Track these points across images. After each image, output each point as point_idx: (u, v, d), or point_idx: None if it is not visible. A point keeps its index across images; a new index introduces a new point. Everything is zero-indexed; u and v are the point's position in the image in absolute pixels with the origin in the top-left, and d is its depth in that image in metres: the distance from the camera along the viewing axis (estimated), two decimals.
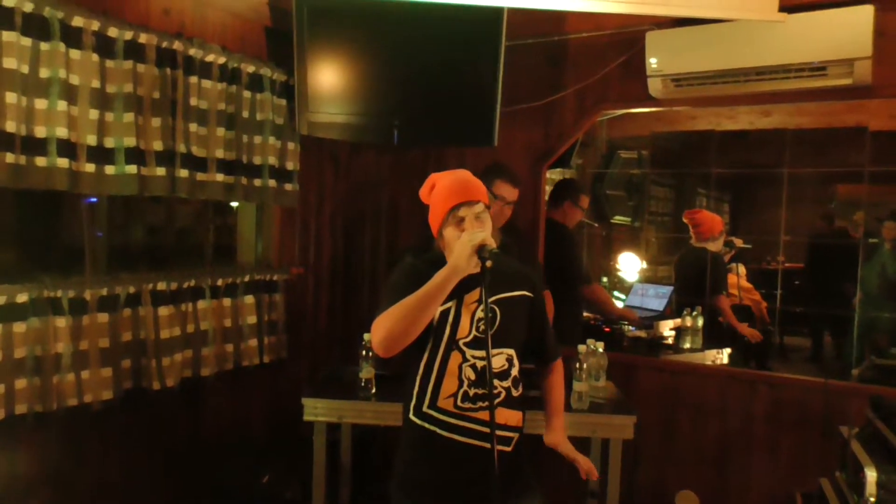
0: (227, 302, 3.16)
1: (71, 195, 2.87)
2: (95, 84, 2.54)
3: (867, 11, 2.73)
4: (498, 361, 1.96)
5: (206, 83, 2.95)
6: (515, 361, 2.01)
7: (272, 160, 3.26)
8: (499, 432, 1.86)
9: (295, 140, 3.38)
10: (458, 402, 1.93)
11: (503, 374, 1.97)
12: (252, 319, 3.27)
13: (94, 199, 2.97)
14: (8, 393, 2.37)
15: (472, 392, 1.93)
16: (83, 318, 2.59)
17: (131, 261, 3.06)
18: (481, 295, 1.93)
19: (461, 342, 1.94)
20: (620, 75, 3.36)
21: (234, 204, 3.65)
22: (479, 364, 1.94)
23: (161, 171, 2.77)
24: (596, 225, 4.77)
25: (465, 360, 1.94)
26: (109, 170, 2.63)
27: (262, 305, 3.32)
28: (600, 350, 2.74)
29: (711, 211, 5.09)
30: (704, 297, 4.23)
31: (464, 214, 1.88)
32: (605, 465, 2.66)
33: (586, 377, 2.61)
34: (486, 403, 1.91)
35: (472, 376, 1.93)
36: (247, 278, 3.25)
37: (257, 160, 3.21)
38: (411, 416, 1.97)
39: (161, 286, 2.86)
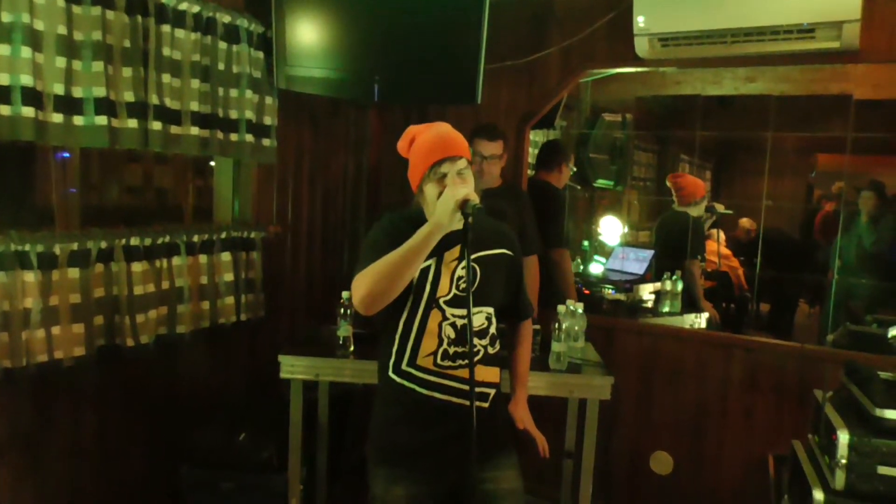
0: (203, 259, 3.10)
1: (42, 150, 2.80)
2: (62, 31, 2.43)
3: None
4: (477, 320, 1.94)
5: (179, 32, 2.84)
6: (493, 319, 1.99)
7: (249, 115, 3.17)
8: (477, 389, 1.85)
9: (273, 95, 3.29)
10: (438, 360, 1.91)
11: (482, 333, 1.96)
12: (229, 277, 3.21)
13: (66, 155, 2.88)
14: None
15: (451, 350, 1.91)
16: (52, 272, 2.52)
17: (106, 220, 2.97)
18: (462, 252, 1.91)
19: (441, 300, 1.92)
20: (606, 34, 3.30)
21: (213, 164, 3.58)
22: (459, 322, 1.92)
23: (133, 122, 2.67)
24: (578, 188, 4.74)
25: (444, 318, 1.92)
26: (78, 120, 2.53)
27: (240, 263, 3.26)
28: (580, 311, 2.73)
29: (694, 176, 5.08)
30: (684, 260, 4.23)
31: (446, 170, 1.83)
32: (582, 426, 2.66)
33: (565, 338, 2.60)
34: (466, 361, 1.90)
35: (452, 334, 1.91)
36: (223, 235, 3.18)
37: (233, 114, 3.12)
38: (390, 374, 1.95)
39: (134, 241, 2.79)
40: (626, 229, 5.63)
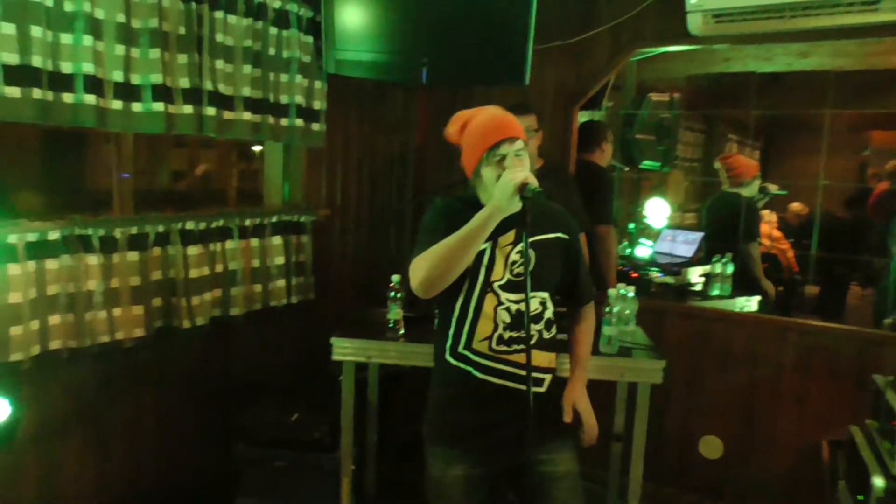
0: (254, 242, 3.16)
1: (96, 136, 2.87)
2: (121, 18, 2.48)
3: None
4: (532, 304, 1.94)
5: (232, 18, 2.88)
6: (549, 304, 1.99)
7: (299, 99, 3.20)
8: (532, 374, 1.85)
9: (322, 79, 3.31)
10: (493, 345, 1.92)
11: (537, 318, 1.96)
12: (280, 260, 3.27)
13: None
14: (42, 329, 2.40)
15: (506, 335, 1.92)
16: (113, 255, 2.60)
17: (157, 204, 3.05)
18: (517, 236, 1.91)
19: (496, 285, 1.92)
20: (657, 11, 3.23)
21: (257, 148, 3.63)
22: (514, 307, 1.92)
23: (188, 108, 2.73)
24: (627, 169, 4.68)
25: (499, 302, 1.92)
26: (136, 107, 2.59)
27: (290, 246, 3.31)
28: (631, 295, 2.71)
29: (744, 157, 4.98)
30: (736, 243, 4.15)
31: (505, 152, 1.83)
32: (632, 410, 2.65)
33: (616, 321, 2.58)
34: (521, 346, 1.91)
35: (507, 319, 1.92)
36: (274, 219, 3.23)
37: (284, 99, 3.15)
38: (447, 357, 1.97)
39: (189, 226, 2.86)
40: (673, 211, 5.55)
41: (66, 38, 2.35)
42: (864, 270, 5.32)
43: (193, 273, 2.88)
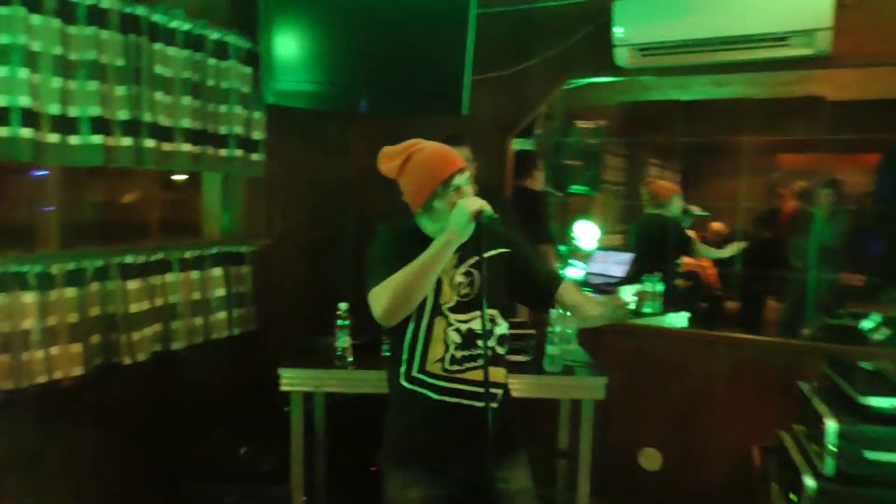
0: (194, 275, 3.11)
1: (15, 169, 2.77)
2: (58, 51, 2.44)
3: None
4: (478, 324, 2.00)
5: (171, 50, 2.86)
6: (499, 320, 2.05)
7: (238, 130, 3.20)
8: (478, 390, 1.96)
9: (261, 109, 3.32)
10: (446, 366, 1.97)
11: (488, 334, 2.02)
12: (221, 292, 3.23)
13: (41, 173, 2.85)
14: None
15: (458, 355, 1.98)
16: (50, 293, 2.52)
17: (83, 238, 2.94)
18: (460, 260, 1.98)
19: (444, 307, 1.98)
20: (587, 45, 3.40)
21: (181, 177, 3.55)
22: (464, 327, 1.99)
23: (127, 141, 2.68)
24: (558, 194, 4.84)
25: (449, 324, 1.98)
26: (74, 140, 2.54)
27: (231, 278, 3.28)
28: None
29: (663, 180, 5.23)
30: (663, 261, 4.34)
31: (458, 183, 1.91)
32: (576, 426, 2.74)
33: (559, 341, 2.68)
34: (473, 364, 1.98)
35: (458, 339, 1.98)
36: (214, 250, 3.20)
37: (223, 130, 3.14)
38: (402, 382, 2.00)
39: (129, 259, 2.80)
40: (600, 233, 5.75)
41: (1, 71, 2.30)
42: (779, 285, 5.64)
43: (133, 308, 2.81)
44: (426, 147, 1.99)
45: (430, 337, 1.97)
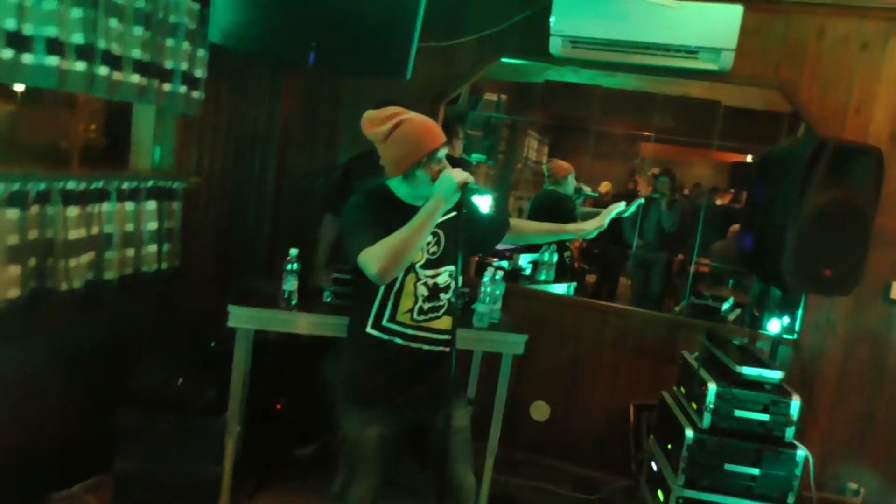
0: (129, 206, 3.10)
1: None
2: None
3: (738, 10, 3.26)
4: (442, 278, 2.25)
5: None
6: (456, 274, 2.26)
7: (184, 66, 3.18)
8: (443, 336, 2.24)
9: (205, 47, 3.31)
10: (415, 316, 2.20)
11: (447, 288, 2.27)
12: (153, 225, 3.23)
13: None
14: None
15: (425, 306, 2.22)
16: None
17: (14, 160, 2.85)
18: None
19: (416, 265, 2.20)
20: (523, 28, 3.66)
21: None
22: (430, 282, 2.23)
23: (81, 65, 2.64)
24: (472, 162, 5.11)
25: (418, 279, 2.20)
26: (27, 59, 2.47)
27: (163, 212, 3.29)
28: (498, 278, 3.11)
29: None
30: None
31: (441, 156, 2.12)
32: (494, 379, 3.07)
33: (488, 300, 2.98)
34: (435, 314, 2.23)
35: (425, 292, 2.21)
36: (150, 184, 3.19)
37: (168, 64, 3.12)
38: (368, 330, 2.20)
39: (70, 185, 2.77)
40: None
41: None
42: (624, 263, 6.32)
43: (72, 234, 2.79)
44: (414, 118, 2.17)
45: (402, 291, 2.18)
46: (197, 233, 3.63)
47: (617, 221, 2.72)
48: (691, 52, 3.38)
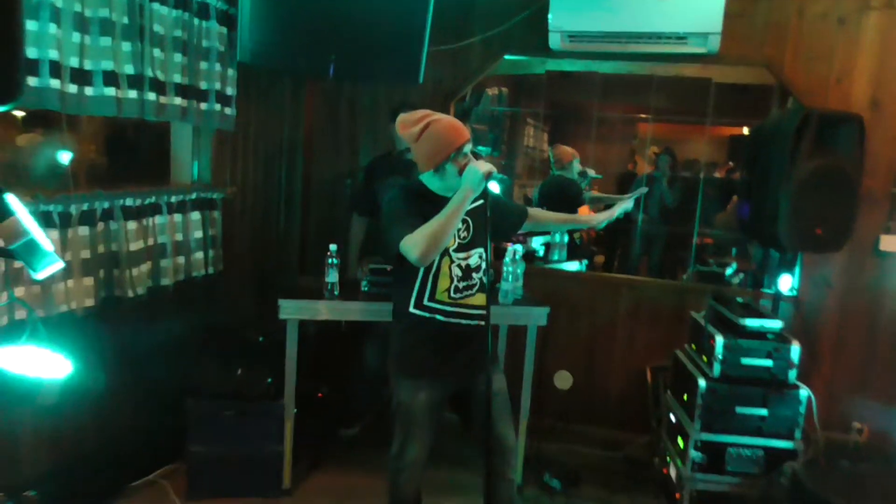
0: (177, 217, 3.40)
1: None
2: (77, 7, 2.65)
3: None
4: (473, 260, 2.54)
5: (163, 9, 3.10)
6: (485, 255, 2.55)
7: (217, 86, 3.48)
8: (477, 311, 2.53)
9: (233, 67, 3.60)
10: (451, 294, 2.49)
11: (478, 269, 2.56)
12: (199, 234, 3.54)
13: None
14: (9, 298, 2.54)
15: (460, 285, 2.51)
16: (68, 230, 2.77)
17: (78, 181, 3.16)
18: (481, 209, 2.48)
19: (450, 249, 2.49)
20: (524, 26, 3.94)
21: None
22: (463, 263, 2.51)
23: (133, 93, 2.94)
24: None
25: (452, 261, 2.50)
26: (89, 91, 2.77)
27: (206, 221, 3.59)
28: (518, 258, 3.41)
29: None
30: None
31: (467, 151, 2.40)
32: (520, 353, 3.36)
33: (511, 279, 3.28)
34: (470, 292, 2.53)
35: (459, 273, 2.50)
36: (194, 196, 3.49)
37: (204, 85, 3.41)
38: (411, 309, 2.50)
39: (129, 202, 3.07)
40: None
41: (31, 25, 2.49)
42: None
43: (133, 246, 3.10)
44: (441, 119, 2.46)
45: (439, 272, 2.48)
46: (235, 239, 3.93)
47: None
48: (681, 37, 3.66)
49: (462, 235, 2.52)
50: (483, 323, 2.56)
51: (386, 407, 3.98)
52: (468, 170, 2.34)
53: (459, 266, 2.51)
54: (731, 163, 6.94)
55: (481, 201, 2.48)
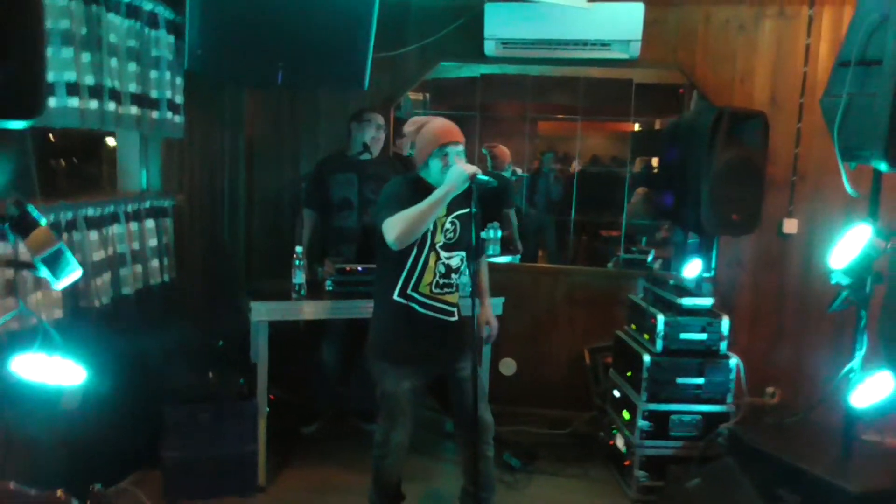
0: (133, 226, 3.41)
1: None
2: None
3: (640, 7, 3.89)
4: (455, 261, 2.74)
5: (116, 19, 3.11)
6: (465, 259, 2.79)
7: (168, 94, 3.50)
8: (452, 308, 2.76)
9: (181, 75, 3.63)
10: (433, 289, 2.68)
11: (457, 271, 2.76)
12: (153, 242, 3.54)
13: None
14: None
15: (441, 282, 2.70)
16: None
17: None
18: (449, 211, 2.68)
19: (437, 245, 2.68)
20: (459, 34, 4.16)
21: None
22: (446, 262, 2.71)
23: (94, 104, 2.95)
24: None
25: (438, 258, 2.69)
26: (52, 102, 2.76)
27: (160, 229, 3.60)
28: None
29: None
30: (499, 215, 5.33)
31: (448, 151, 2.59)
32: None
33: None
34: (448, 290, 2.73)
35: (443, 270, 2.70)
36: (148, 205, 3.50)
37: (154, 94, 3.43)
38: (395, 297, 2.67)
39: (90, 212, 3.06)
40: None
41: None
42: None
43: (96, 256, 3.09)
44: (434, 121, 2.67)
45: (426, 267, 2.66)
46: (185, 246, 3.94)
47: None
48: (604, 44, 4.01)
49: (449, 236, 2.71)
50: (456, 319, 2.78)
51: (343, 404, 4.13)
52: (453, 168, 2.53)
53: (444, 264, 2.71)
54: (641, 157, 7.45)
55: (470, 210, 2.67)
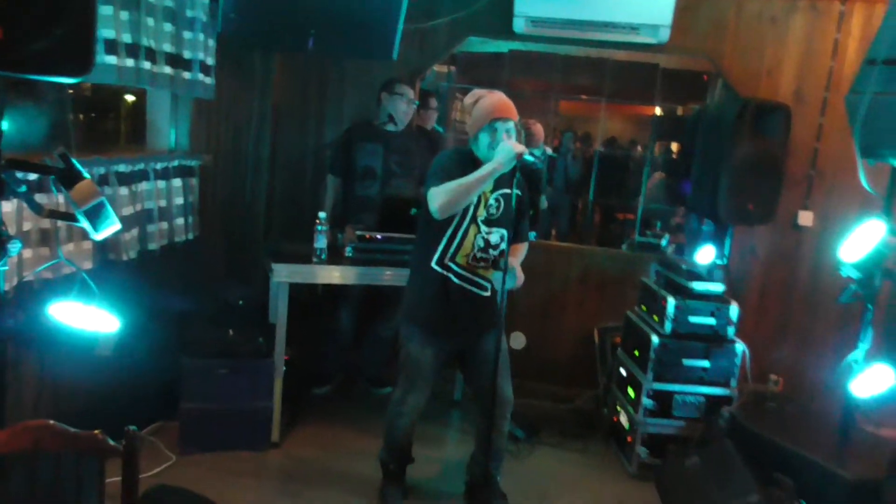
0: (161, 184, 3.49)
1: None
2: None
3: None
4: (494, 237, 2.80)
5: None
6: (505, 236, 2.80)
7: (200, 55, 3.56)
8: (486, 283, 2.82)
9: (213, 37, 3.68)
10: (469, 261, 2.76)
11: (496, 247, 2.82)
12: (180, 200, 3.63)
13: None
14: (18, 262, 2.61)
15: (478, 255, 2.77)
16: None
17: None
18: (495, 188, 2.73)
19: (479, 219, 2.75)
20: (489, 10, 4.17)
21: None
22: (486, 237, 2.77)
23: (130, 62, 3.01)
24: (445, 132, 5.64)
25: (479, 231, 2.76)
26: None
27: (187, 188, 3.69)
28: None
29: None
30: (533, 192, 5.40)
31: (497, 127, 2.64)
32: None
33: None
34: (484, 264, 2.80)
35: (481, 244, 2.77)
36: (175, 163, 3.59)
37: (187, 55, 3.49)
38: (432, 265, 2.75)
39: (121, 168, 3.15)
40: None
41: None
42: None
43: (125, 211, 3.19)
44: (490, 96, 2.72)
45: (465, 237, 2.74)
46: (208, 205, 4.03)
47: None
48: (633, 28, 4.01)
49: (492, 212, 2.78)
50: (488, 293, 2.84)
51: (354, 368, 4.24)
52: (502, 145, 2.57)
53: (483, 238, 2.77)
54: (662, 142, 7.48)
55: (515, 192, 2.65)
